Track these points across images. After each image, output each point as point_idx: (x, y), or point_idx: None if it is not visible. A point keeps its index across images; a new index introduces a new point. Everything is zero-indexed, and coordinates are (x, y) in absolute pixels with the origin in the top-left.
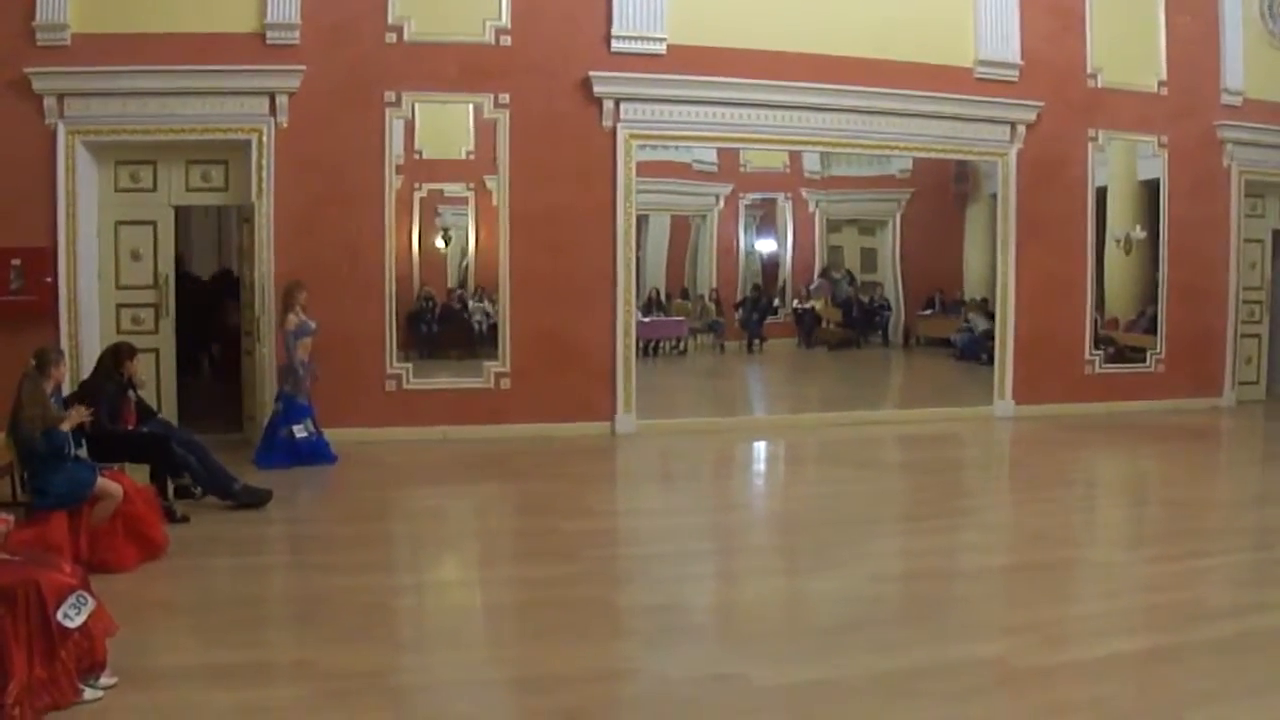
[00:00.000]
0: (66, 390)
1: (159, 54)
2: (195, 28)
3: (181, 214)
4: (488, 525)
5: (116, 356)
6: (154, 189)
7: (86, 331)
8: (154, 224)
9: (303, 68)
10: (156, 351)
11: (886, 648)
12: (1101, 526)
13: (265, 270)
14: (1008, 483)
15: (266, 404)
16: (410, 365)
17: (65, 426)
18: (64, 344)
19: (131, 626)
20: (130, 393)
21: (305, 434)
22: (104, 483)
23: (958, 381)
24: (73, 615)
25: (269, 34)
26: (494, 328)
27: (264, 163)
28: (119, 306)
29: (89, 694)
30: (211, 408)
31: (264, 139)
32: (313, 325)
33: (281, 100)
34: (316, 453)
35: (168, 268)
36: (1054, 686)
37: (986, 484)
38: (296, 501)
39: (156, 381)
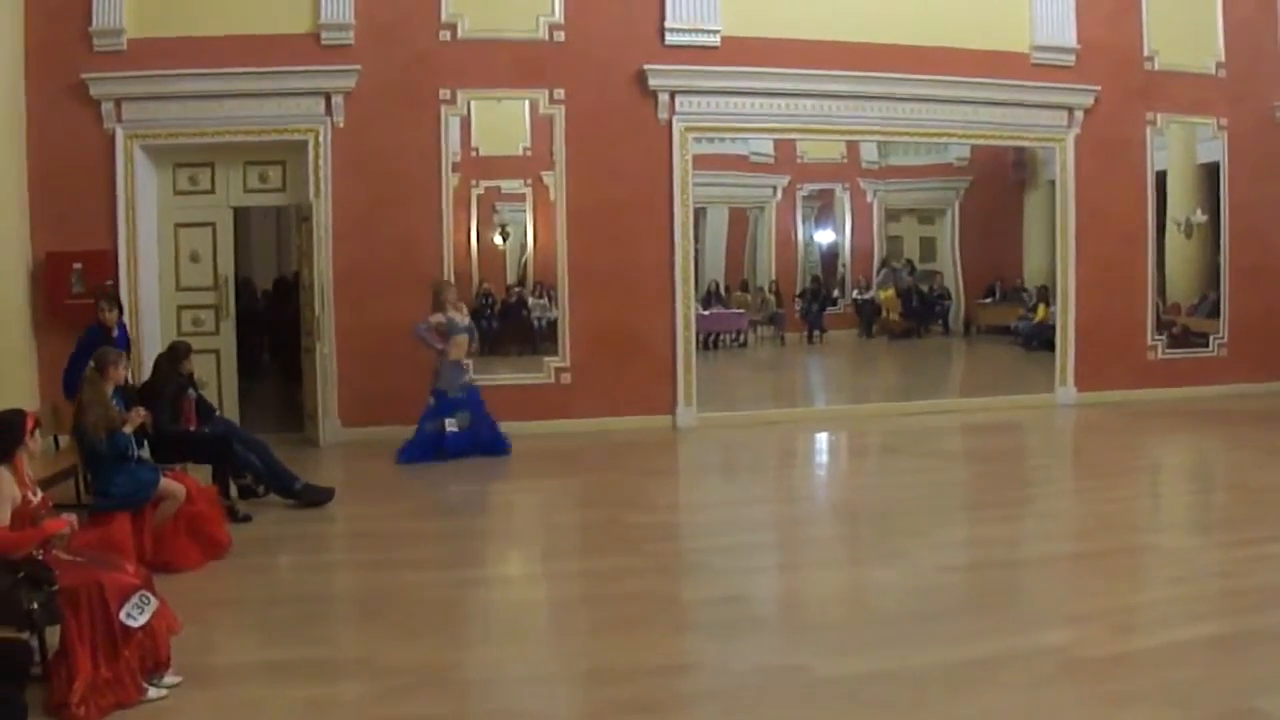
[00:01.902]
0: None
1: (215, 57)
2: (250, 29)
3: (241, 217)
4: (550, 520)
5: (173, 355)
6: (212, 191)
7: (147, 334)
8: (213, 225)
9: (358, 67)
10: (217, 353)
11: (952, 638)
12: (1168, 513)
13: (324, 269)
14: (1072, 470)
15: (328, 402)
16: (470, 362)
17: (127, 429)
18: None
19: (195, 625)
20: (190, 392)
21: (456, 428)
22: (167, 483)
23: (1019, 369)
24: (136, 615)
25: (323, 34)
26: (553, 323)
27: (321, 163)
28: (179, 308)
29: (153, 693)
30: (273, 407)
31: (320, 139)
32: (463, 323)
33: (337, 100)
34: (449, 447)
35: (227, 269)
36: (1121, 675)
37: (1050, 472)
38: (360, 499)
39: (218, 382)
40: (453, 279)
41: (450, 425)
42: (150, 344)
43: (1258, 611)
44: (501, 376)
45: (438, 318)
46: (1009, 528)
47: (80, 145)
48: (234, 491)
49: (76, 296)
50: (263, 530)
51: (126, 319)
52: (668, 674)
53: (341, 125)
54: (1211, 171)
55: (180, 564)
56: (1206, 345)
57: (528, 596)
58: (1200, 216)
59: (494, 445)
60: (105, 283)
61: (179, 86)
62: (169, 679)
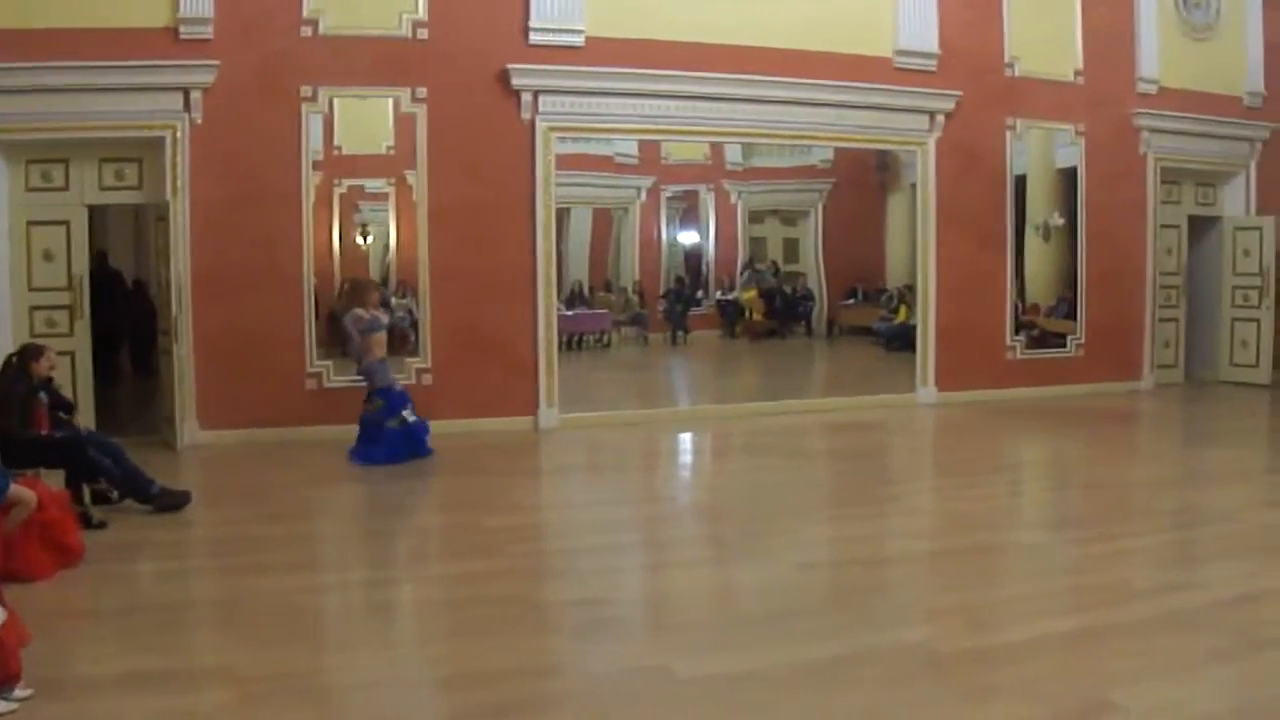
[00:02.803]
0: None
1: (69, 49)
2: (107, 22)
3: (100, 213)
4: (411, 522)
5: (23, 358)
6: (66, 188)
7: None
8: (67, 224)
9: (217, 62)
10: (72, 355)
11: (812, 636)
12: (1026, 510)
13: (181, 269)
14: (933, 469)
15: (185, 404)
16: (331, 363)
17: None
18: None
19: (47, 636)
20: (41, 395)
21: (413, 418)
22: (17, 490)
23: (881, 369)
24: None
25: (182, 28)
26: (416, 324)
27: (178, 160)
28: (32, 309)
29: (2, 706)
30: (128, 409)
31: (178, 135)
32: (384, 320)
33: (195, 96)
34: (416, 439)
35: (81, 268)
36: (980, 670)
37: (912, 470)
38: (217, 503)
39: (72, 384)
40: (313, 279)
41: (409, 416)
42: (0, 347)
43: (1112, 606)
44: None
45: (359, 313)
46: (870, 525)
47: None
48: (88, 497)
49: None
50: (118, 537)
51: None
52: (529, 677)
53: (200, 122)
54: (1069, 176)
55: (31, 573)
56: (1064, 346)
57: (388, 600)
58: (1058, 220)
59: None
60: None
61: (31, 79)
62: (19, 692)
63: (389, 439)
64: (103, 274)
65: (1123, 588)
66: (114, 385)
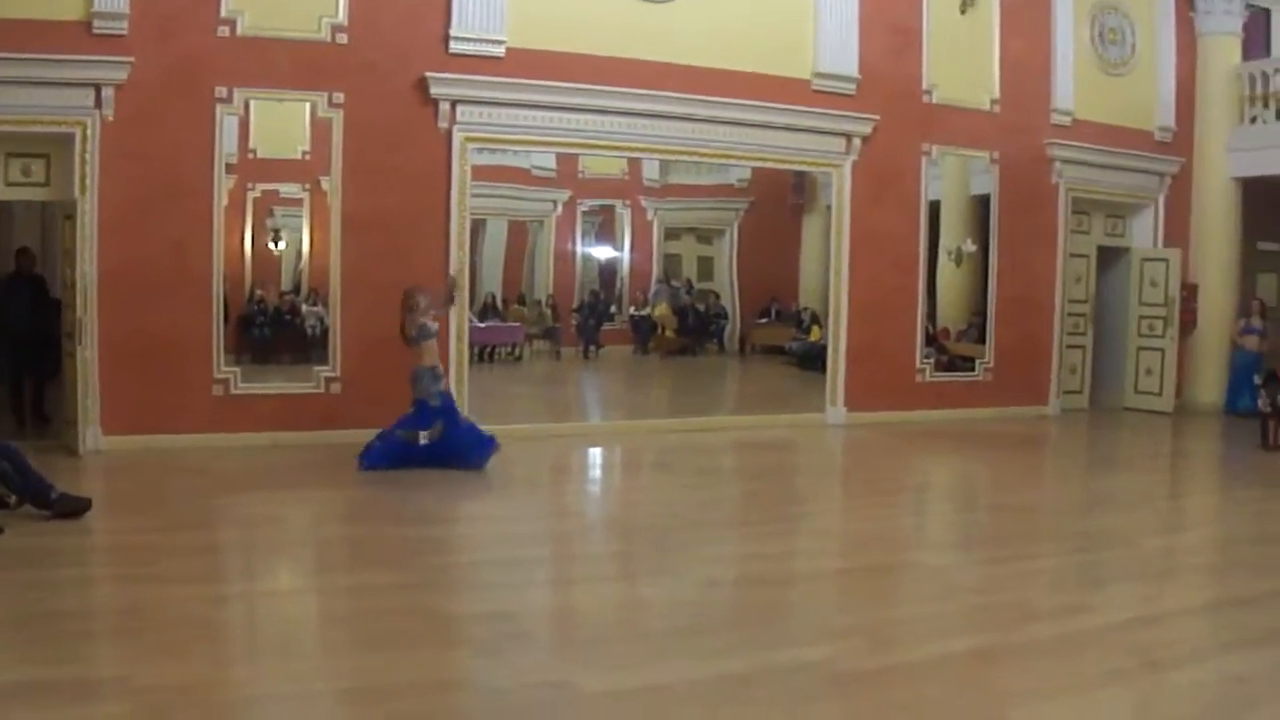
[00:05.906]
0: None
1: None
2: (16, 14)
3: (5, 210)
4: (317, 533)
5: None
6: None
7: None
8: None
9: (130, 59)
10: None
11: (716, 653)
12: (930, 531)
13: (88, 269)
14: (840, 488)
15: (88, 409)
16: (239, 369)
17: None
18: None
19: None
20: None
21: (426, 440)
22: None
23: (791, 388)
24: None
25: (95, 23)
26: (326, 331)
27: (88, 157)
28: None
29: None
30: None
31: (88, 132)
32: (433, 328)
33: (107, 92)
34: (434, 457)
35: None
36: (880, 689)
37: (819, 489)
38: (118, 510)
39: None
40: (223, 283)
41: (423, 438)
42: None
43: (1013, 627)
44: (271, 385)
45: (424, 322)
46: (776, 544)
47: None
48: None
49: None
50: (13, 543)
51: None
52: (433, 690)
53: (111, 119)
54: (983, 203)
55: None
56: (973, 370)
57: (292, 612)
58: (970, 246)
59: (476, 450)
60: None
61: None
62: None
63: (390, 447)
64: (24, 275)
65: (1023, 609)
66: (39, 394)
